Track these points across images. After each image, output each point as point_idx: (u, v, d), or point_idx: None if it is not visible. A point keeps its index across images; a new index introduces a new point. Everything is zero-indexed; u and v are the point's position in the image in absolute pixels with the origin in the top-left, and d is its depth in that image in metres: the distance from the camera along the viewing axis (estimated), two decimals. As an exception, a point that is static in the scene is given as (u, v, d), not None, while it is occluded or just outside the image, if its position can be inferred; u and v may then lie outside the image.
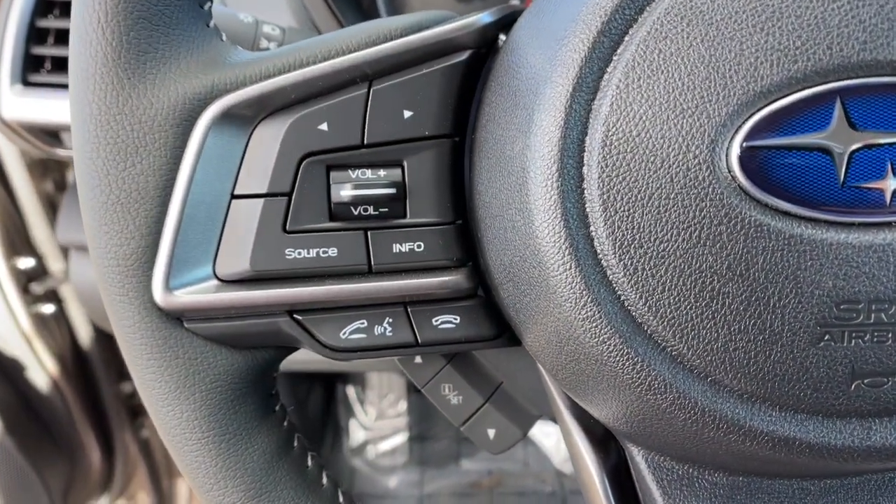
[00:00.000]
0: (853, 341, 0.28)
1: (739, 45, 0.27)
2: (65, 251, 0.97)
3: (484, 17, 0.34)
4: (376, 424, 1.36)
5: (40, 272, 1.00)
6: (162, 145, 0.32)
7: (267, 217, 0.33)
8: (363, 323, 0.35)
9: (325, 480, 0.38)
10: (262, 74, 0.33)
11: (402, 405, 1.36)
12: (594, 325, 0.29)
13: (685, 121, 0.27)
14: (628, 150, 0.28)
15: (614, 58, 0.28)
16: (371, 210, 0.34)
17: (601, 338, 0.29)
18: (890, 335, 0.28)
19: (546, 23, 0.31)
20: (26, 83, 0.71)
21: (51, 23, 0.72)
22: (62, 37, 0.72)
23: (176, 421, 0.34)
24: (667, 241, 0.28)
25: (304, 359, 0.37)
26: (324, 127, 0.33)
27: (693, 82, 0.27)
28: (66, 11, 0.73)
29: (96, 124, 0.31)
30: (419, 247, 0.34)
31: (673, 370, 0.29)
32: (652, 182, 0.27)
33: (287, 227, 0.33)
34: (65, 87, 0.69)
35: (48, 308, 1.01)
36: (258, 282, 0.34)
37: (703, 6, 0.27)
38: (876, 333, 0.28)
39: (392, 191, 0.34)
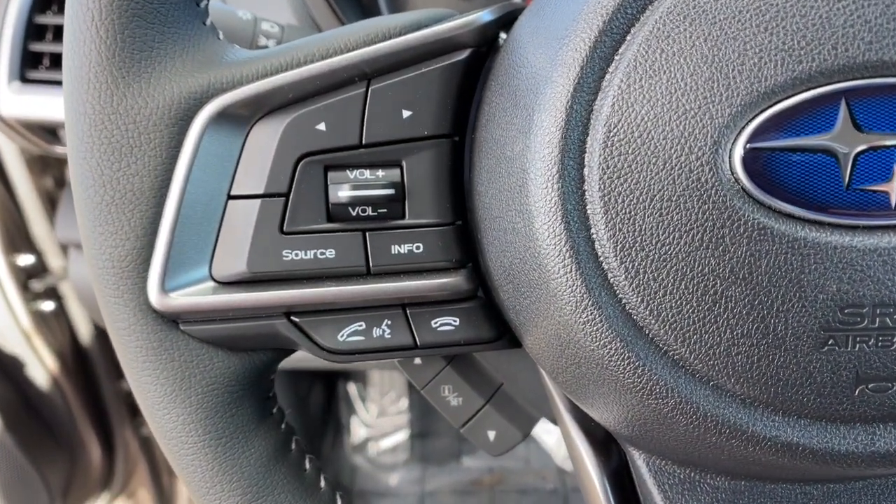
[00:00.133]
0: (857, 346, 0.27)
1: (743, 44, 0.26)
2: (64, 248, 0.97)
3: (484, 16, 0.34)
4: (378, 422, 1.36)
5: (40, 269, 1.00)
6: (157, 145, 0.31)
7: (264, 218, 0.33)
8: (361, 325, 0.35)
9: (322, 483, 0.38)
10: (259, 73, 0.32)
11: (404, 402, 1.36)
12: (595, 328, 0.28)
13: (688, 122, 0.27)
14: (630, 152, 0.27)
15: (616, 57, 0.28)
16: (369, 211, 0.33)
17: (602, 341, 0.29)
18: (895, 339, 0.27)
19: (547, 21, 0.31)
20: (24, 80, 0.71)
21: (49, 19, 0.71)
22: (60, 33, 0.72)
23: (172, 424, 0.34)
24: (669, 243, 0.27)
25: (305, 356, 0.37)
26: (321, 127, 0.33)
27: (696, 83, 0.27)
28: (64, 8, 0.73)
29: (90, 124, 0.31)
30: (418, 248, 0.34)
31: (675, 374, 0.28)
32: (654, 184, 0.27)
33: (284, 227, 0.33)
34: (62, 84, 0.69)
35: (48, 305, 1.01)
36: (255, 283, 0.33)
37: (706, 5, 0.27)
38: (881, 338, 0.27)
39: (391, 191, 0.33)
